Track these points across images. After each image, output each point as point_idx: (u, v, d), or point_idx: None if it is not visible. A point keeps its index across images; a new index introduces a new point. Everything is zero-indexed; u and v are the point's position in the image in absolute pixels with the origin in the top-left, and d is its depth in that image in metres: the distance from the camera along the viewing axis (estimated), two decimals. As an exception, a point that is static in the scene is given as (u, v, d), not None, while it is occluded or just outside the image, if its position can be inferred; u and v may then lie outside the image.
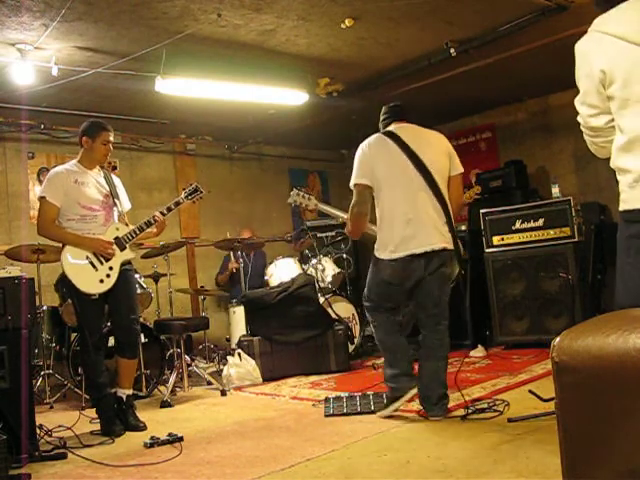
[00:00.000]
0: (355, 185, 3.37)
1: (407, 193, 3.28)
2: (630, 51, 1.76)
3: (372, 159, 3.35)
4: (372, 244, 3.82)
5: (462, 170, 3.46)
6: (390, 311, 3.42)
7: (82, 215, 3.66)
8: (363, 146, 3.41)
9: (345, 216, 3.70)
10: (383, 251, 3.33)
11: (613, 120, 1.84)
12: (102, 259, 3.64)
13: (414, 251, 3.22)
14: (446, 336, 3.37)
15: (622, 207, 1.85)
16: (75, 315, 3.77)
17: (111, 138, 3.75)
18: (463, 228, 5.87)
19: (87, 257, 3.62)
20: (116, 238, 3.71)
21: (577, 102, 1.93)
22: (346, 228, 3.52)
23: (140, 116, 6.06)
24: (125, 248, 3.73)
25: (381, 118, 3.57)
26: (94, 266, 3.62)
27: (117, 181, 3.92)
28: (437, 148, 3.40)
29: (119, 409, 3.69)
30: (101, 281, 3.62)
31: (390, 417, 3.34)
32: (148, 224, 3.80)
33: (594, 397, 1.17)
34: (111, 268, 3.66)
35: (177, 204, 3.97)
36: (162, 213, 3.86)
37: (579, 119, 1.95)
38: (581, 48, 1.87)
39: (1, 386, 3.08)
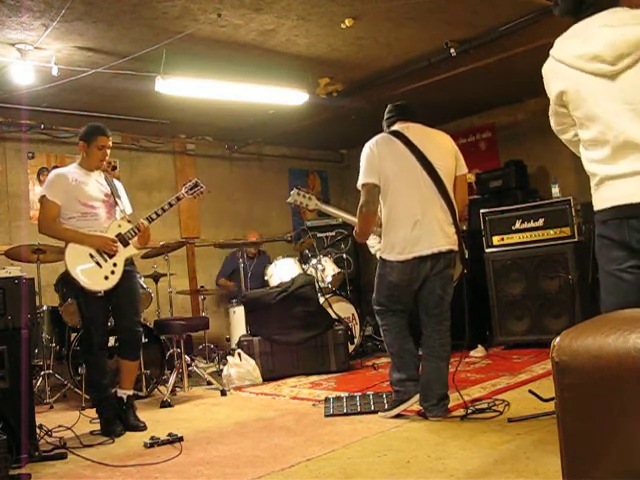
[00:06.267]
0: (363, 185, 3.31)
1: (415, 193, 3.25)
2: (573, 75, 1.92)
3: (379, 158, 3.29)
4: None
5: (467, 170, 3.46)
6: (399, 314, 3.38)
7: (83, 212, 3.65)
8: (370, 145, 3.35)
9: (345, 216, 3.67)
10: (390, 252, 3.29)
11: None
12: (106, 256, 3.64)
13: (421, 253, 3.20)
14: (448, 337, 3.35)
15: (594, 207, 2.03)
16: (79, 314, 3.75)
17: (109, 143, 3.72)
18: (463, 228, 5.87)
19: (91, 255, 3.61)
20: (119, 235, 3.71)
21: (550, 115, 2.14)
22: (354, 231, 3.45)
23: (140, 116, 6.06)
24: (128, 244, 3.73)
25: (385, 117, 3.52)
26: (98, 263, 3.62)
27: (119, 186, 3.91)
28: (443, 148, 3.39)
29: (119, 409, 3.69)
30: (106, 278, 3.61)
31: (391, 417, 3.34)
32: (136, 231, 3.76)
33: (594, 397, 1.17)
34: (115, 265, 3.65)
35: (178, 199, 3.94)
36: (150, 218, 3.78)
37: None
38: (543, 72, 2.09)
39: (1, 386, 3.07)
